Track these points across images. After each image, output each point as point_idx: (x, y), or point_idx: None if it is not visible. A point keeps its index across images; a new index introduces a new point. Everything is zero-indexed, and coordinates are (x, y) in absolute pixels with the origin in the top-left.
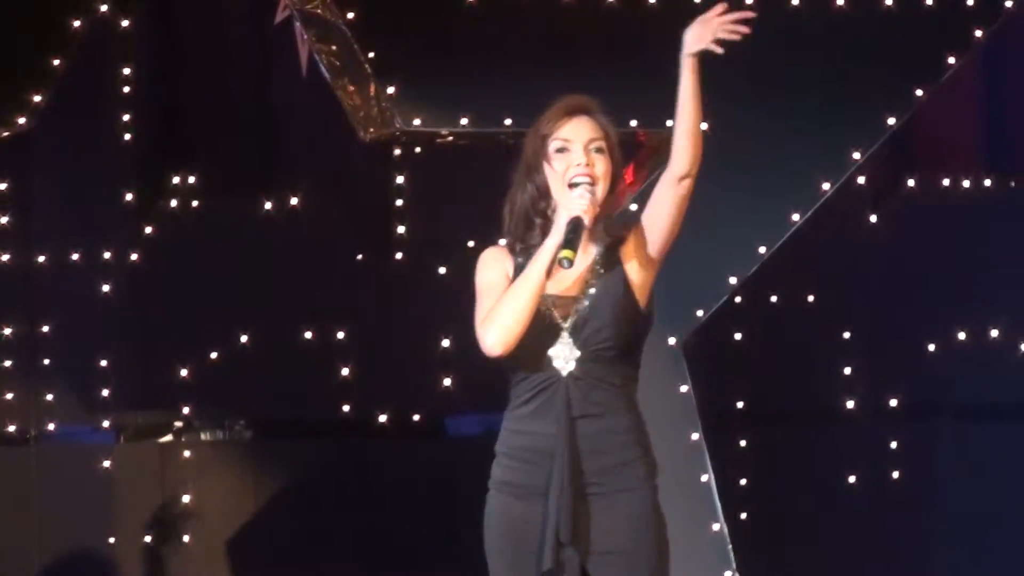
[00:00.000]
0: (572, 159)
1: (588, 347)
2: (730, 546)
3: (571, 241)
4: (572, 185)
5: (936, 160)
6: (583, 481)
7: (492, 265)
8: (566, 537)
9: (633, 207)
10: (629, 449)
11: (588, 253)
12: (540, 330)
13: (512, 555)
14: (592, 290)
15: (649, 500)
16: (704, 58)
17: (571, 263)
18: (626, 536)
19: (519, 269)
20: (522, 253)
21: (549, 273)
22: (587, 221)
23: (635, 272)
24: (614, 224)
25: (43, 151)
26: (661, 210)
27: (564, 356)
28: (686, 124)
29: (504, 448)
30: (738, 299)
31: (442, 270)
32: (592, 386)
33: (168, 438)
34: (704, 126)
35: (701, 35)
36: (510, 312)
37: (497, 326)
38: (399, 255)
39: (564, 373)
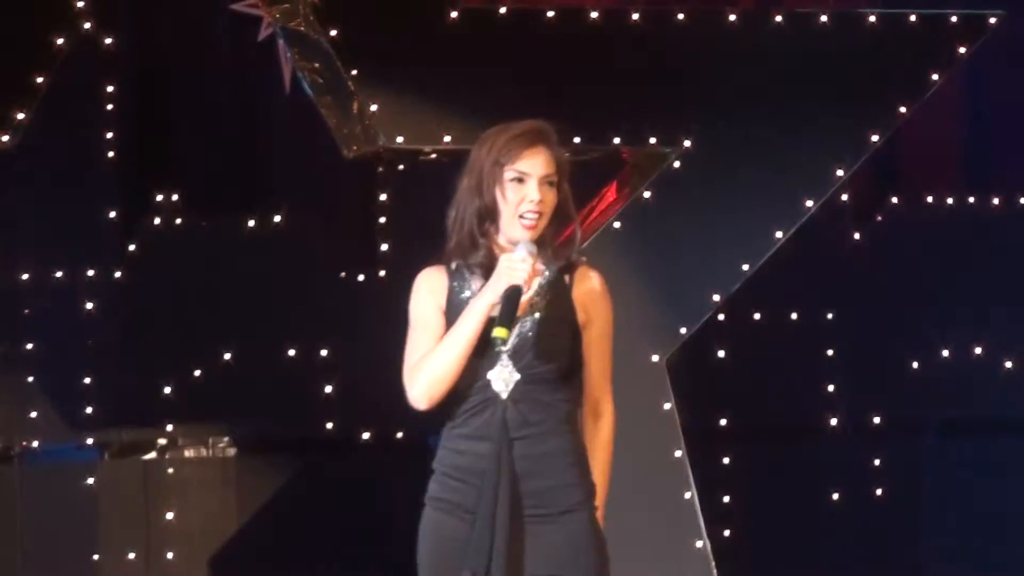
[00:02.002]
0: (526, 193)
1: (528, 371)
2: (713, 563)
3: (506, 315)
4: (521, 216)
5: (919, 177)
6: (520, 503)
7: (425, 296)
8: (498, 565)
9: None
10: (567, 472)
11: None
12: (480, 351)
13: (440, 572)
14: (536, 314)
15: (587, 523)
16: None
17: (505, 342)
18: (562, 560)
19: (453, 293)
20: (458, 275)
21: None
22: (525, 288)
23: (579, 310)
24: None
25: (26, 168)
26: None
27: (503, 379)
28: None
29: (441, 466)
30: (721, 316)
31: None
32: (530, 409)
33: (152, 455)
34: (687, 143)
35: None
36: (439, 370)
37: (424, 382)
38: (382, 272)
39: (503, 396)
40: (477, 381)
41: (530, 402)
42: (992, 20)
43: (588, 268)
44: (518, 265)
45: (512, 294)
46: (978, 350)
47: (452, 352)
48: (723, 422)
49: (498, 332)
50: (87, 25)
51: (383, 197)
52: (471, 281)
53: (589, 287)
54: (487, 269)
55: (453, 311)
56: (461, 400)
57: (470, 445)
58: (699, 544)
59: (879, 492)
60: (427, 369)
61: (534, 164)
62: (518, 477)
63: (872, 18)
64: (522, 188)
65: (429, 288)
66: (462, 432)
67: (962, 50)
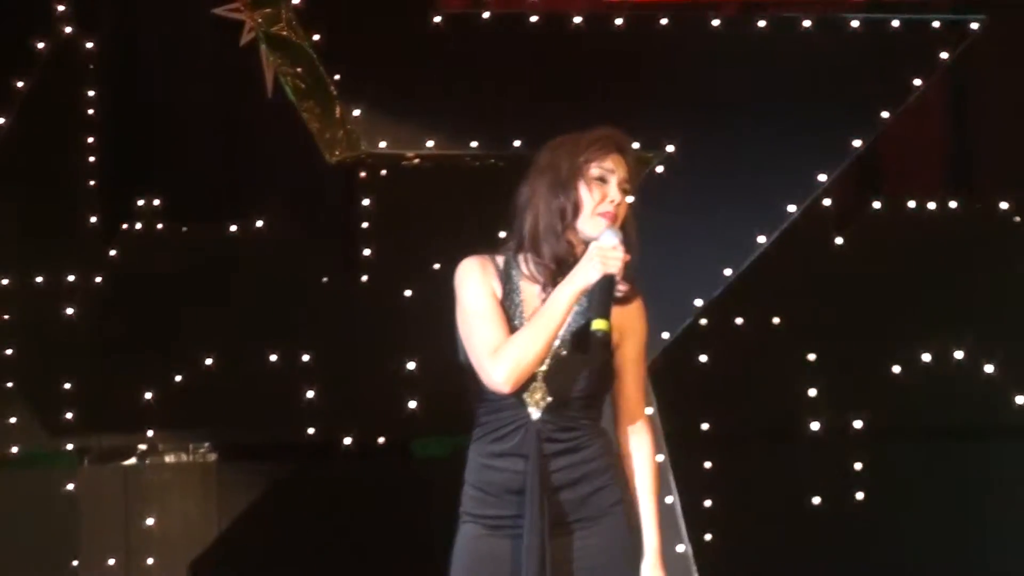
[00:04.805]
0: (608, 192)
1: (560, 394)
2: (695, 568)
3: (605, 306)
4: (601, 215)
5: (902, 182)
6: (563, 513)
7: (479, 281)
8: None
9: None
10: (601, 476)
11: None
12: None
13: None
14: (573, 331)
15: (624, 523)
16: None
17: (606, 335)
18: (603, 566)
19: (508, 295)
20: (506, 271)
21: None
22: (617, 277)
23: (615, 330)
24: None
25: (6, 173)
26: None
27: (536, 401)
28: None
29: (474, 479)
30: (704, 321)
31: (408, 292)
32: (562, 428)
33: (132, 461)
34: (670, 148)
35: None
36: (528, 354)
37: (513, 365)
38: (365, 277)
39: (534, 417)
40: (511, 399)
41: (562, 420)
42: (974, 26)
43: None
44: (610, 253)
45: (607, 284)
46: (959, 355)
47: (541, 337)
48: (705, 427)
49: (598, 324)
50: (68, 29)
51: (365, 202)
52: (522, 277)
53: (628, 307)
54: (561, 262)
55: (504, 302)
56: (494, 415)
57: (505, 462)
58: (681, 548)
59: (860, 496)
60: (514, 354)
61: (618, 166)
62: (556, 490)
63: (855, 23)
64: (604, 187)
65: (483, 275)
66: (495, 450)
67: (944, 56)
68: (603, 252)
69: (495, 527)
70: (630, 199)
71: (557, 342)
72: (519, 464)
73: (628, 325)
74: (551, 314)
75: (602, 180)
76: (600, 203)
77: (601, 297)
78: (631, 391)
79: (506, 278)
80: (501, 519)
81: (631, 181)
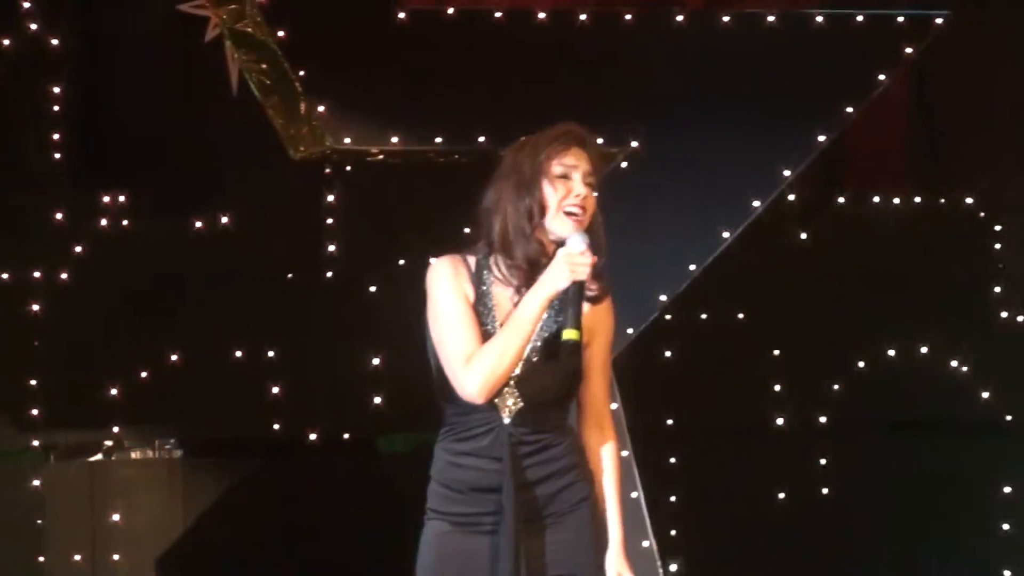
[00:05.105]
0: (572, 188)
1: (532, 399)
2: (659, 563)
3: (576, 315)
4: (568, 214)
5: (866, 178)
6: (533, 510)
7: (451, 285)
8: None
9: None
10: (569, 473)
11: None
12: None
13: None
14: (545, 337)
15: (590, 520)
16: None
17: (576, 344)
18: (572, 561)
19: (480, 298)
20: (478, 271)
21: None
22: (587, 281)
23: (585, 330)
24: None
25: None
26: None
27: (507, 406)
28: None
29: (441, 477)
30: (668, 316)
31: (373, 288)
32: (532, 429)
33: (98, 457)
34: (634, 144)
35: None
36: (501, 364)
37: (485, 378)
38: (329, 273)
39: (505, 421)
40: (482, 404)
41: (533, 423)
42: (938, 21)
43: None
44: (578, 259)
45: (576, 291)
46: (924, 350)
47: (513, 347)
48: (670, 422)
49: (569, 335)
50: (33, 26)
51: (330, 198)
52: (494, 280)
53: (597, 305)
54: (532, 264)
55: (477, 306)
56: (466, 417)
57: (474, 461)
58: (646, 544)
59: (825, 491)
60: (487, 365)
61: (579, 160)
62: (527, 488)
63: (819, 19)
64: (568, 183)
65: (455, 278)
66: (463, 448)
67: (909, 50)
68: (571, 259)
69: (462, 524)
70: (595, 193)
71: (529, 347)
72: (488, 464)
73: (597, 324)
74: (521, 323)
75: (565, 176)
76: (565, 198)
77: (571, 305)
78: (597, 389)
79: (478, 280)
80: (468, 516)
81: (596, 174)
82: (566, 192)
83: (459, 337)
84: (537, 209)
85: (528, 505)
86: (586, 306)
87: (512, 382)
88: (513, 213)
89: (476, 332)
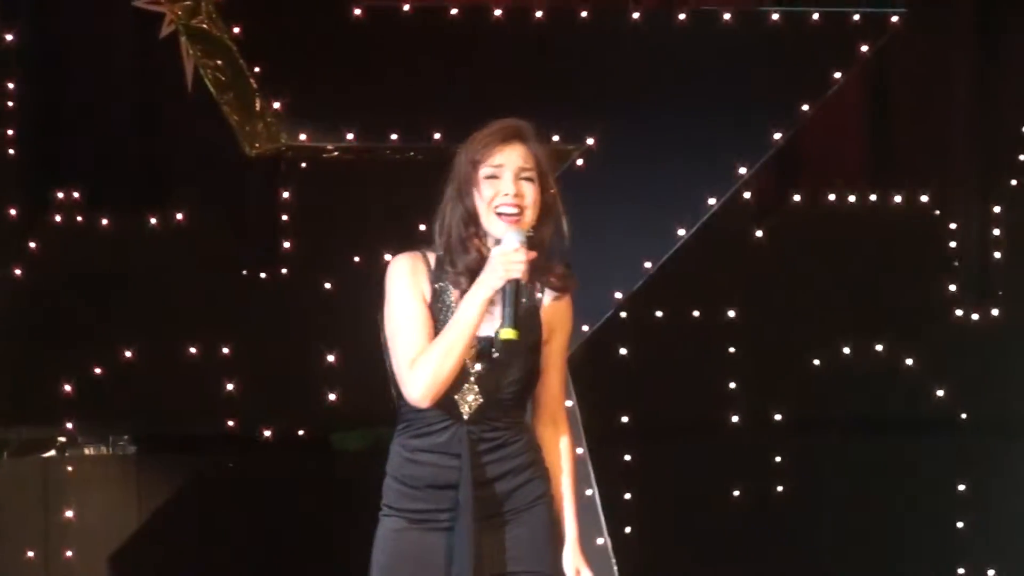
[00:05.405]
0: (501, 187)
1: (491, 395)
2: (614, 560)
3: (512, 314)
4: (499, 214)
5: (821, 175)
6: (491, 507)
7: (407, 284)
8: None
9: None
10: (526, 471)
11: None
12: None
13: None
14: (503, 339)
15: (547, 517)
16: None
17: (514, 343)
18: (529, 557)
19: (438, 295)
20: (439, 268)
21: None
22: (523, 279)
23: (544, 327)
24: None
25: None
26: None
27: (468, 402)
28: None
29: (397, 473)
30: (623, 314)
31: (328, 285)
32: (491, 426)
33: (51, 453)
34: (590, 141)
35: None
36: (442, 368)
37: (426, 382)
38: (284, 270)
39: (464, 417)
40: (442, 398)
41: (492, 420)
42: (894, 19)
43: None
44: (512, 257)
45: (513, 290)
46: (879, 347)
47: (452, 352)
48: (625, 420)
49: (506, 334)
50: None
51: (285, 195)
52: (450, 282)
53: (558, 304)
54: (474, 273)
55: (434, 304)
56: (424, 413)
57: (430, 458)
58: (600, 541)
59: (780, 489)
60: (428, 369)
61: (507, 158)
62: (485, 485)
63: (775, 16)
64: (497, 183)
65: (412, 276)
66: (420, 444)
67: (864, 48)
68: (504, 257)
69: (418, 520)
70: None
71: (496, 347)
72: (446, 460)
73: (558, 321)
74: (460, 326)
75: (494, 177)
76: (493, 200)
77: (510, 305)
78: (553, 385)
79: (436, 278)
80: (424, 513)
81: (538, 167)
82: (494, 193)
83: (408, 339)
84: (470, 216)
85: (485, 502)
86: (548, 299)
87: (473, 379)
88: (453, 220)
89: (427, 333)
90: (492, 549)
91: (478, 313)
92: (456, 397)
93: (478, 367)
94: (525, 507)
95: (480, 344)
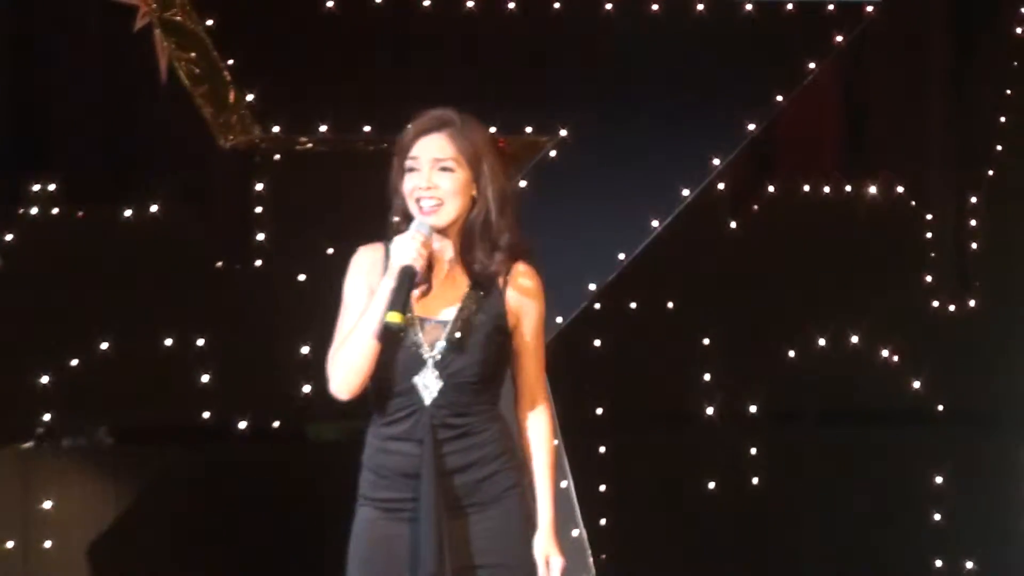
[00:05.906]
0: (417, 180)
1: (453, 379)
2: (590, 552)
3: (398, 299)
4: (418, 204)
5: (796, 166)
6: (456, 497)
7: (358, 277)
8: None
9: None
10: (494, 462)
11: (460, 278)
12: (406, 358)
13: (380, 567)
14: (464, 318)
15: (518, 509)
16: None
17: (401, 328)
18: (498, 550)
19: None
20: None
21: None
22: (419, 267)
23: (510, 313)
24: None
25: None
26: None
27: (429, 386)
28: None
29: (371, 464)
30: (597, 305)
31: (302, 277)
32: (455, 412)
33: (29, 445)
34: (563, 132)
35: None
36: (351, 361)
37: (339, 373)
38: (259, 262)
39: (427, 402)
40: (403, 384)
41: (455, 406)
42: (869, 9)
43: (523, 265)
44: (406, 243)
45: (404, 276)
46: (855, 339)
47: (361, 342)
48: (599, 411)
49: (390, 317)
50: None
51: (259, 187)
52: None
53: (522, 286)
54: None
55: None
56: (388, 401)
57: (399, 446)
58: (575, 533)
59: (755, 481)
60: (340, 360)
61: (424, 149)
62: (450, 474)
63: (749, 7)
64: (415, 176)
65: (363, 268)
66: (389, 433)
67: (839, 39)
68: (400, 243)
69: (390, 510)
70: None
71: (455, 330)
72: (412, 448)
73: (522, 304)
74: (365, 317)
75: (412, 169)
76: (413, 192)
77: (397, 290)
78: (530, 371)
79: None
80: (396, 502)
81: (460, 155)
82: (413, 186)
83: (338, 334)
84: (402, 209)
85: (450, 492)
86: (511, 284)
87: (432, 363)
88: (393, 214)
89: None
90: (458, 541)
91: (380, 303)
92: (416, 380)
93: (436, 350)
94: (492, 500)
95: (438, 329)
